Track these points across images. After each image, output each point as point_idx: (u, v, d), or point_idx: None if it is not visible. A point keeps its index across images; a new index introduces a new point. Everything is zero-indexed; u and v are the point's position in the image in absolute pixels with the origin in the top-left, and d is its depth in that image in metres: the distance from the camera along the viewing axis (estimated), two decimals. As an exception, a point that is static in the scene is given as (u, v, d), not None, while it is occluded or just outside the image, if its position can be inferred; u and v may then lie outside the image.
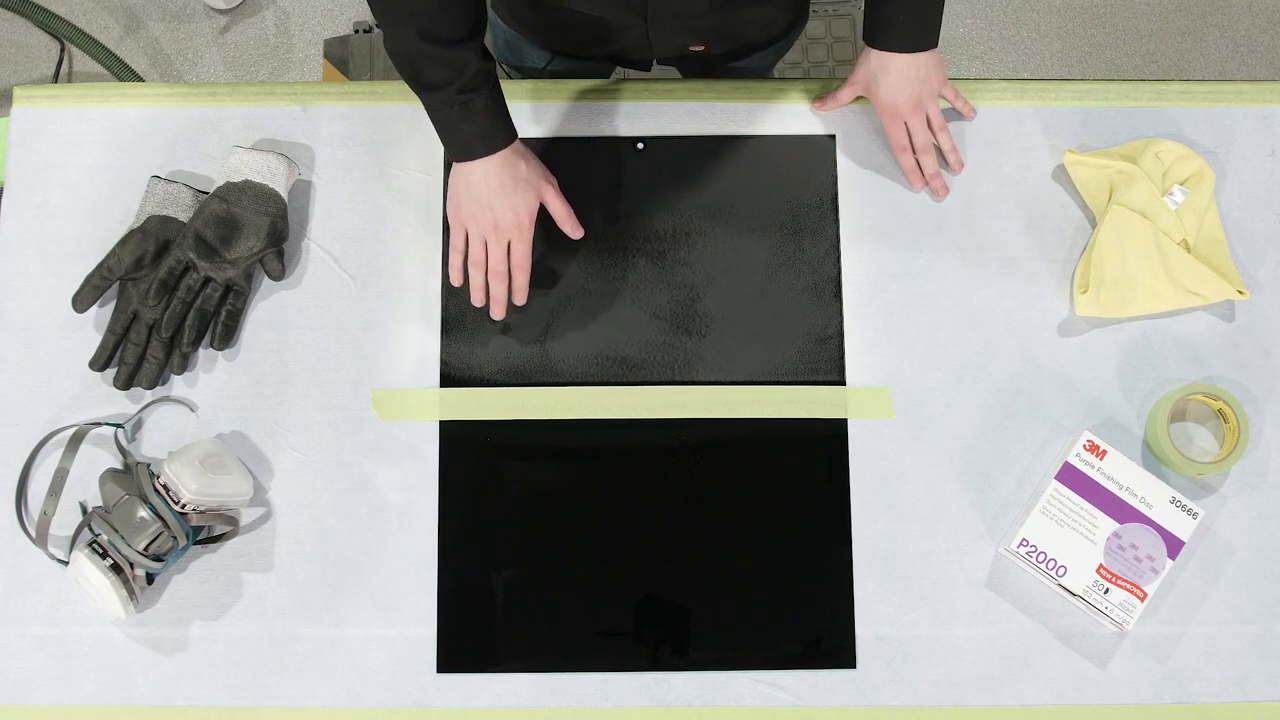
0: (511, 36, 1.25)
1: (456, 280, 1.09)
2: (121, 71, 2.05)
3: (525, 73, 1.34)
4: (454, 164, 1.04)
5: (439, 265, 1.14)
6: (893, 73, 1.10)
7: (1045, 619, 1.07)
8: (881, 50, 1.09)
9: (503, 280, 1.07)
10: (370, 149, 1.16)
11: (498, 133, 1.02)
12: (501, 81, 1.18)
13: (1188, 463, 1.07)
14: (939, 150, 1.16)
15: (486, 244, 1.05)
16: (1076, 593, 1.04)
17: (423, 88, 1.00)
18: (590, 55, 1.20)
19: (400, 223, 1.15)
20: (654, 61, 1.21)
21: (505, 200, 1.03)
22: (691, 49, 1.16)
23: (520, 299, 1.09)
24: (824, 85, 1.19)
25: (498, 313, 1.09)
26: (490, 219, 1.04)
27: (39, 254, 1.14)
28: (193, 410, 1.11)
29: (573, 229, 1.09)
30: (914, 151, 1.14)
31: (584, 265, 1.14)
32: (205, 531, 1.08)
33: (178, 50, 2.07)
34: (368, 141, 1.16)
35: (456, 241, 1.07)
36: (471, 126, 1.00)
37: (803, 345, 1.13)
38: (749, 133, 1.17)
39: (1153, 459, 1.11)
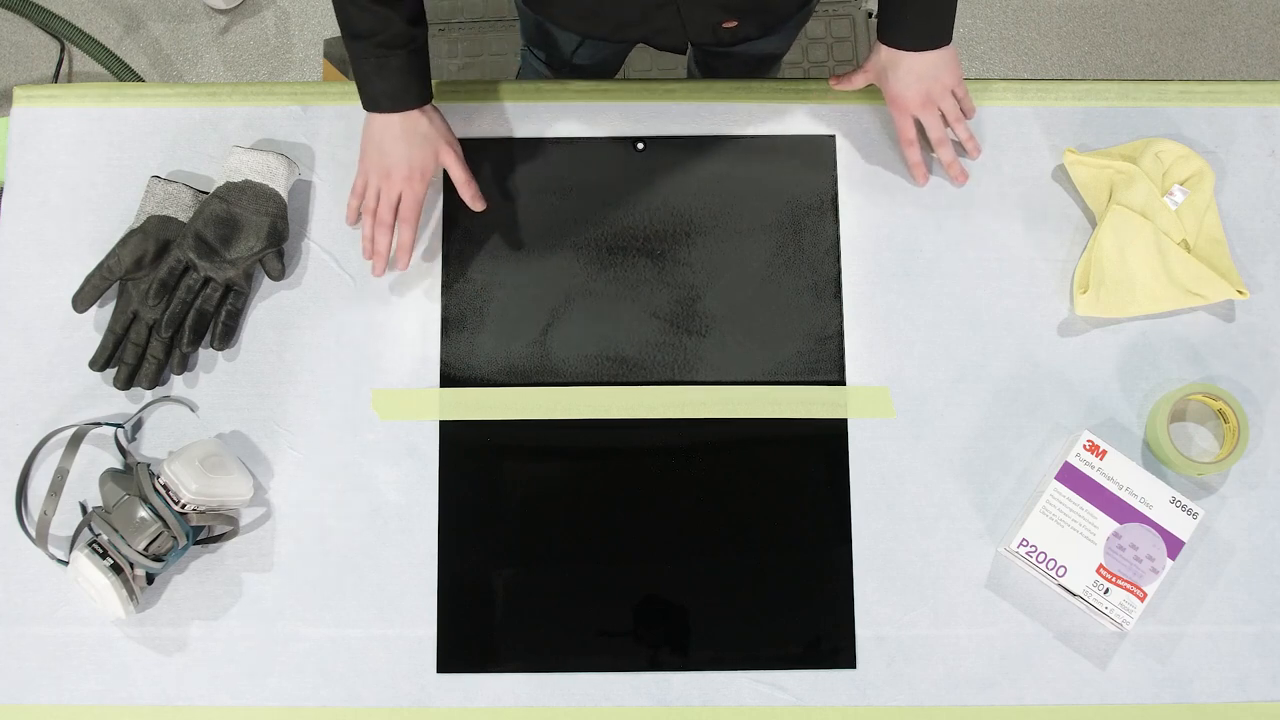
0: (542, 20, 1.25)
1: (350, 220, 1.12)
2: (121, 71, 2.05)
3: (553, 58, 1.34)
4: (366, 112, 1.08)
5: (439, 265, 1.14)
6: (901, 68, 1.09)
7: (1045, 619, 1.07)
8: (891, 47, 1.09)
9: (386, 230, 1.09)
10: (370, 149, 1.16)
11: (408, 94, 1.06)
12: (503, 84, 1.18)
13: (1188, 463, 1.07)
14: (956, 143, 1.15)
15: (378, 194, 1.09)
16: (1076, 593, 1.04)
17: (349, 35, 1.04)
18: (622, 39, 1.20)
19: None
20: (687, 44, 1.20)
21: (400, 149, 1.07)
22: (725, 26, 1.16)
23: (401, 261, 1.10)
24: (823, 88, 1.19)
25: (377, 268, 1.10)
26: (384, 165, 1.08)
27: (39, 254, 1.14)
28: (193, 410, 1.11)
29: (472, 198, 1.11)
30: (926, 146, 1.13)
31: (584, 265, 1.14)
32: (205, 531, 1.08)
33: (178, 50, 2.07)
34: (368, 141, 1.16)
35: (357, 184, 1.11)
36: (383, 83, 1.05)
37: (803, 345, 1.13)
38: (749, 133, 1.17)
39: (1153, 459, 1.11)
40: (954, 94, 1.12)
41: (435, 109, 1.10)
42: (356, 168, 1.12)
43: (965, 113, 1.14)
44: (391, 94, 1.05)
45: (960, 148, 1.16)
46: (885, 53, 1.10)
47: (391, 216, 1.09)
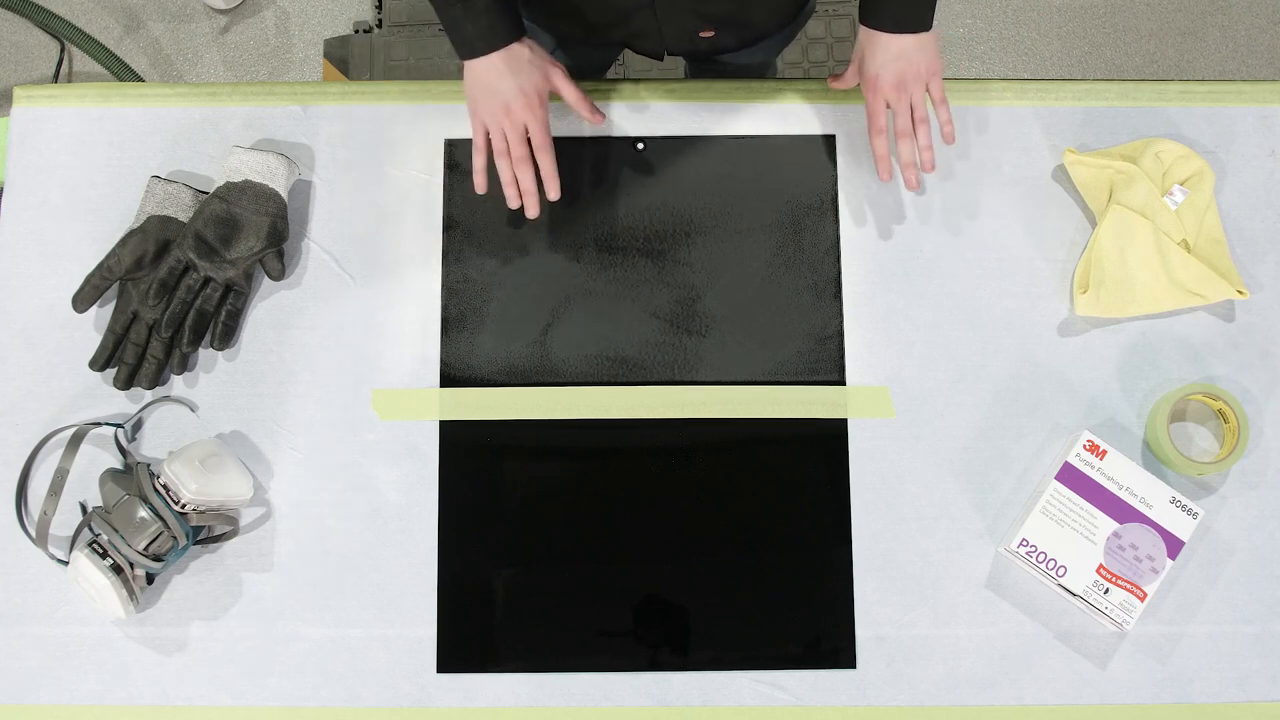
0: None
1: (480, 186, 1.09)
2: (121, 71, 2.05)
3: None
4: (465, 64, 1.07)
5: (439, 265, 1.14)
6: (879, 48, 1.08)
7: (1045, 619, 1.07)
8: (870, 29, 1.09)
9: (527, 165, 1.07)
10: (370, 149, 1.16)
11: (498, 31, 1.04)
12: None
13: (1188, 463, 1.07)
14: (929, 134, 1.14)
15: (505, 134, 1.07)
16: (1076, 593, 1.04)
17: None
18: (601, 41, 1.20)
19: (400, 223, 1.15)
20: (665, 52, 1.21)
21: (511, 82, 1.06)
22: (702, 35, 1.16)
23: (552, 189, 1.08)
24: (823, 88, 1.19)
25: (531, 207, 1.08)
26: (500, 103, 1.06)
27: (39, 254, 1.14)
28: (193, 410, 1.11)
29: (590, 112, 1.10)
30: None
31: (584, 265, 1.14)
32: (205, 531, 1.08)
33: (178, 50, 2.07)
34: (368, 141, 1.16)
35: (478, 140, 1.09)
36: (473, 25, 1.04)
37: (803, 345, 1.13)
38: (749, 133, 1.17)
39: (1153, 459, 1.11)
40: (930, 90, 1.10)
41: (530, 39, 1.09)
42: (471, 123, 1.09)
43: (940, 125, 1.10)
44: (484, 35, 1.04)
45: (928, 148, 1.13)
46: (864, 34, 1.09)
47: (526, 149, 1.07)
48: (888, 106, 1.10)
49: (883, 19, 1.07)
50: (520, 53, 1.06)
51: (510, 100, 1.06)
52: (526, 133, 1.07)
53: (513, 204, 1.08)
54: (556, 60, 1.09)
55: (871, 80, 1.10)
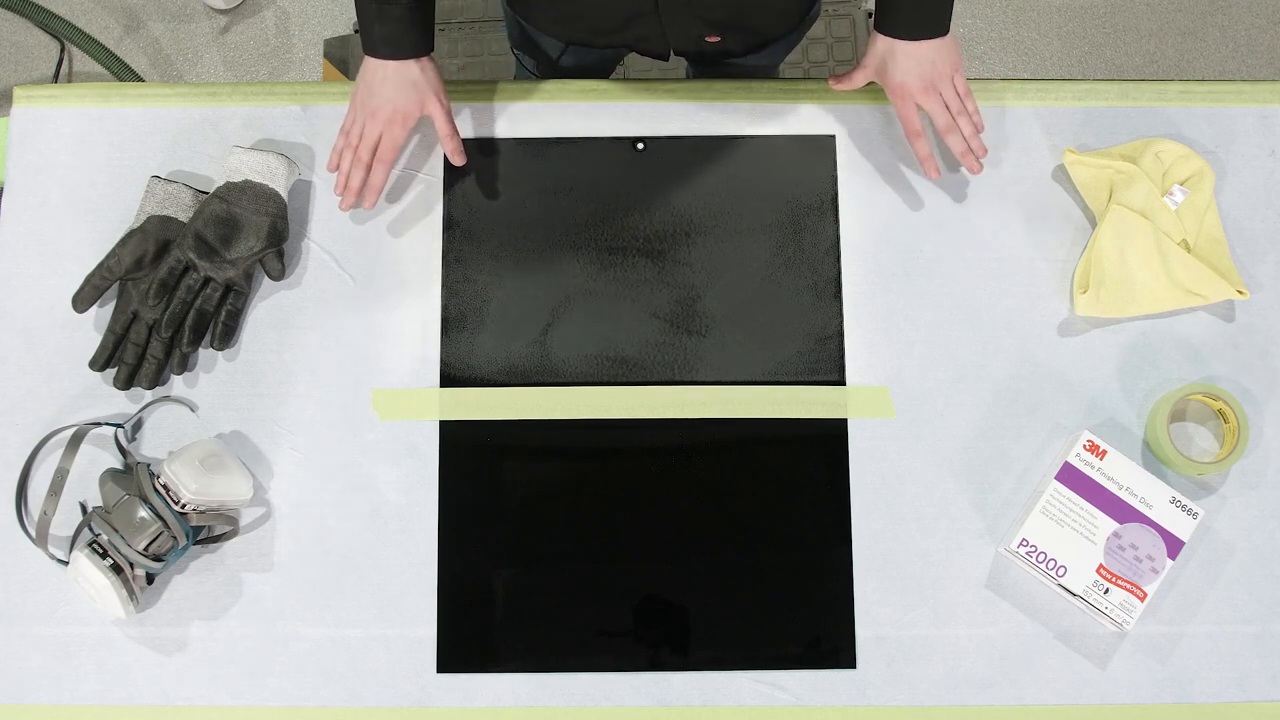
0: (524, 23, 1.25)
1: (330, 165, 1.12)
2: (121, 71, 2.05)
3: (540, 62, 1.34)
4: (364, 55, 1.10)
5: (439, 265, 1.14)
6: (900, 55, 1.09)
7: (1045, 619, 1.07)
8: (889, 37, 1.09)
9: (361, 168, 1.10)
10: (370, 149, 1.16)
11: (404, 42, 1.07)
12: (503, 84, 1.19)
13: (1188, 463, 1.07)
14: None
15: (362, 131, 1.10)
16: (1076, 593, 1.04)
17: None
18: (606, 45, 1.20)
19: (400, 223, 1.15)
20: (670, 53, 1.21)
21: (389, 93, 1.09)
22: (707, 40, 1.16)
23: (369, 199, 1.11)
24: (823, 88, 1.19)
25: (344, 202, 1.11)
26: (370, 105, 1.09)
27: (39, 254, 1.14)
28: (193, 410, 1.11)
29: (454, 151, 1.12)
30: (935, 136, 1.12)
31: (584, 265, 1.14)
32: (205, 531, 1.08)
33: (178, 50, 2.07)
34: (368, 141, 1.16)
35: (345, 123, 1.12)
36: (382, 27, 1.06)
37: (803, 345, 1.13)
38: (749, 133, 1.17)
39: (1153, 459, 1.11)
40: (955, 83, 1.11)
41: (432, 61, 1.10)
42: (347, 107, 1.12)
43: (969, 112, 1.13)
44: (390, 40, 1.06)
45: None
46: (883, 43, 1.10)
47: (369, 156, 1.10)
48: (919, 109, 1.11)
49: (902, 27, 1.07)
50: (411, 71, 1.08)
51: (379, 109, 1.09)
52: (379, 141, 1.10)
53: (336, 190, 1.11)
54: (443, 92, 1.11)
55: (899, 88, 1.10)
